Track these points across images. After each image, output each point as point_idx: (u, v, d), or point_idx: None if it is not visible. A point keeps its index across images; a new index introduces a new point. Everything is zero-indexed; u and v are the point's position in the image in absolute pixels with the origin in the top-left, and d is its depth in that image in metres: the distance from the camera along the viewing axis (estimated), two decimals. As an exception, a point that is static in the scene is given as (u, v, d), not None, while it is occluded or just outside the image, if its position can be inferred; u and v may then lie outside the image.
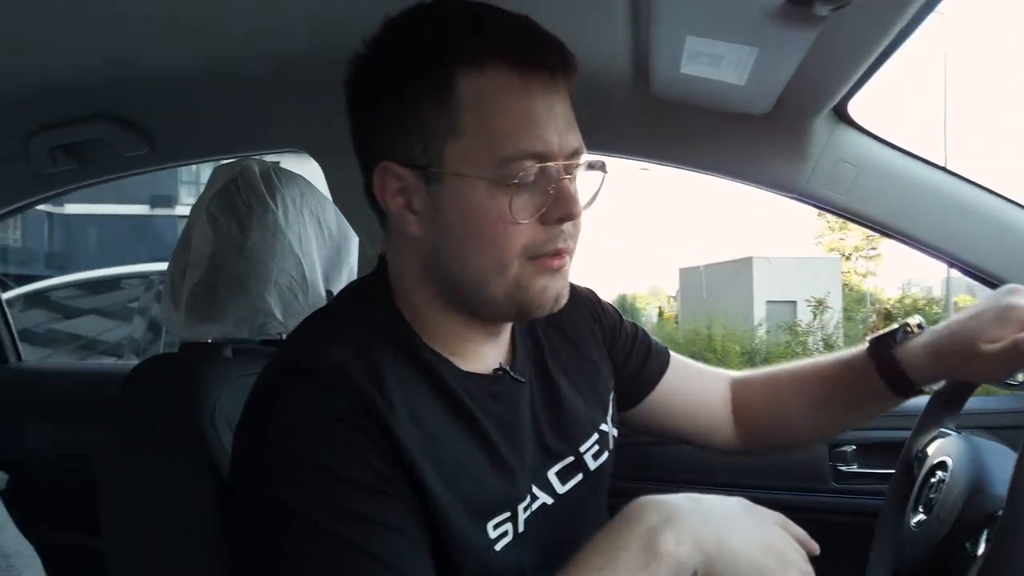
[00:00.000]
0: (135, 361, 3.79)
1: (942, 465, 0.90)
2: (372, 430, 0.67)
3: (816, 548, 0.68)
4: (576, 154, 0.74)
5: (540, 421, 0.83)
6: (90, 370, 2.40)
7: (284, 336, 1.13)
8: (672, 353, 1.05)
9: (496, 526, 0.74)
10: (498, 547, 0.74)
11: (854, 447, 1.40)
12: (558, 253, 0.74)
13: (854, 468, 1.41)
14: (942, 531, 0.82)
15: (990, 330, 0.82)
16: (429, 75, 0.70)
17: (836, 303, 13.42)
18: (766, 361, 10.98)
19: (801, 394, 1.01)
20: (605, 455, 0.88)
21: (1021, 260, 1.20)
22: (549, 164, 0.71)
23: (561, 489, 0.83)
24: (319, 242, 1.16)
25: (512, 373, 0.81)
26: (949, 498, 0.84)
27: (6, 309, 2.00)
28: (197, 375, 0.98)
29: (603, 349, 0.96)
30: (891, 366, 0.91)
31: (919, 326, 0.93)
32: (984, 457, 0.86)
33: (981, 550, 0.76)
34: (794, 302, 14.85)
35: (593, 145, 1.34)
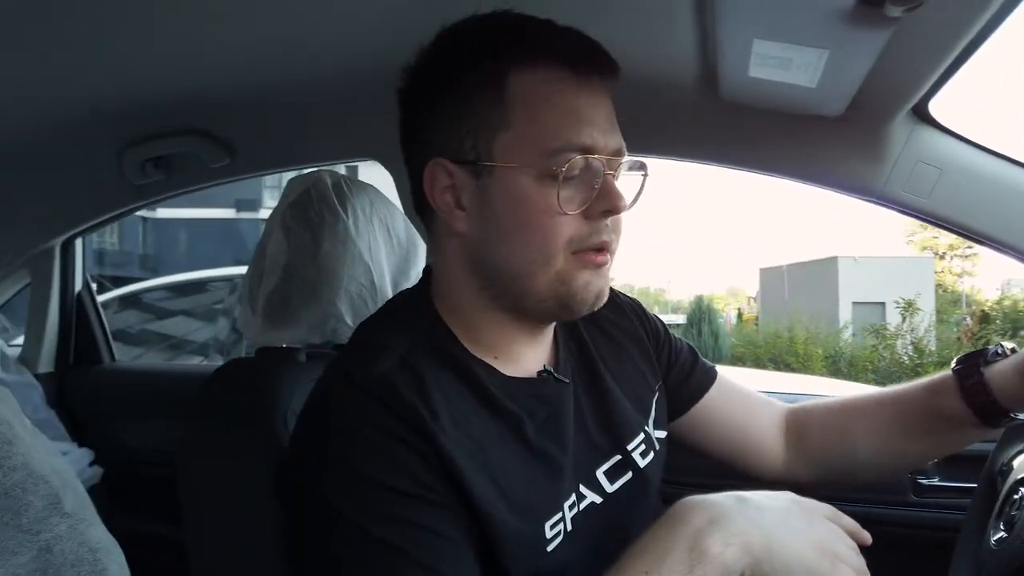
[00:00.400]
0: (219, 361, 3.97)
1: (1026, 482, 0.86)
2: (415, 440, 0.69)
3: (867, 538, 0.67)
4: (619, 153, 0.76)
5: (586, 420, 0.84)
6: (177, 371, 2.52)
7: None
8: (722, 374, 1.04)
9: (552, 526, 0.75)
10: (551, 547, 0.75)
11: (936, 459, 1.34)
12: (601, 249, 0.75)
13: (935, 481, 1.36)
14: (1022, 550, 0.78)
15: None
16: (483, 70, 0.74)
17: (928, 304, 12.87)
18: (851, 365, 10.60)
19: (869, 420, 0.98)
20: (652, 455, 0.89)
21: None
22: (594, 158, 0.73)
23: (610, 488, 0.83)
24: (388, 249, 1.20)
25: (556, 374, 0.83)
26: (1033, 517, 0.80)
27: (101, 312, 2.13)
28: (272, 379, 1.02)
29: (650, 355, 0.97)
30: (978, 388, 0.88)
31: (1012, 349, 0.89)
32: (1072, 475, 0.81)
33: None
34: (883, 303, 14.36)
35: (660, 149, 1.37)
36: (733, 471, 1.03)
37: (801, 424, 1.03)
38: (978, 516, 0.94)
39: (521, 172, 0.73)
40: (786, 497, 0.67)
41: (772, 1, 0.84)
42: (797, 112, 1.16)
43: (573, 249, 0.74)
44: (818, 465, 1.01)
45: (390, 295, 1.18)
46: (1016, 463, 0.92)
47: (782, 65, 0.99)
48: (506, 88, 0.73)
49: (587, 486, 0.81)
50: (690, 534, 0.63)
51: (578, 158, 0.72)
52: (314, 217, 1.10)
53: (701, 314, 14.14)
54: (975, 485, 1.00)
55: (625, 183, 0.78)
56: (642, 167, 0.80)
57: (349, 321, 1.12)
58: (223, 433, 0.99)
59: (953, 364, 0.92)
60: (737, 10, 0.89)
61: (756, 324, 18.28)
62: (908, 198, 1.23)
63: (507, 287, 0.77)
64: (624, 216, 0.78)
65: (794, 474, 1.01)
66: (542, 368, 0.83)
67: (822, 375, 9.85)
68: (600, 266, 0.76)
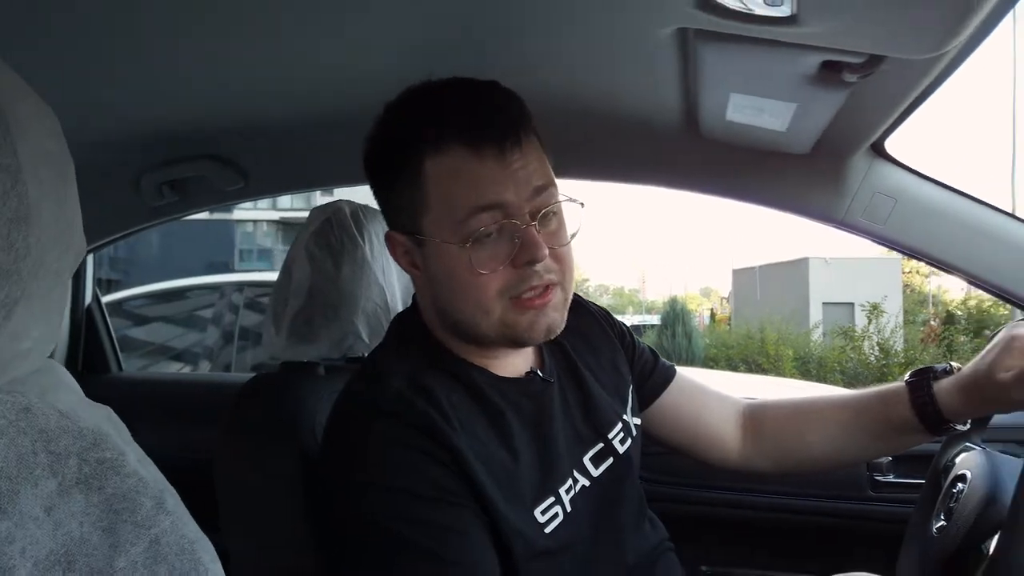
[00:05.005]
0: (207, 367, 4.00)
1: (963, 477, 0.99)
2: (432, 447, 0.80)
3: None
4: (543, 204, 0.85)
5: (572, 414, 0.97)
6: (183, 380, 2.60)
7: (365, 355, 1.29)
8: (680, 372, 1.17)
9: (544, 511, 0.87)
10: (548, 529, 0.87)
11: (891, 459, 1.49)
12: (537, 291, 0.85)
13: (890, 478, 1.50)
14: (959, 536, 0.92)
15: (1003, 361, 0.91)
16: (403, 159, 0.86)
17: (896, 305, 13.14)
18: (820, 366, 10.81)
19: (827, 422, 1.10)
20: (630, 441, 1.01)
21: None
22: (508, 220, 0.82)
23: (595, 472, 0.95)
24: (398, 271, 1.31)
25: (541, 375, 0.95)
26: (967, 507, 0.93)
27: (110, 323, 2.21)
28: (300, 392, 1.13)
29: (620, 352, 1.09)
30: (926, 401, 1.00)
31: (958, 368, 1.01)
32: (1000, 470, 0.94)
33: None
34: (852, 304, 14.59)
35: (646, 178, 1.50)
36: (691, 458, 1.15)
37: (758, 419, 1.15)
38: (924, 508, 1.08)
39: (445, 243, 0.84)
40: None
41: (747, 65, 0.97)
42: (769, 150, 1.30)
43: (509, 296, 0.85)
44: (772, 458, 1.14)
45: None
46: (956, 462, 1.06)
47: (756, 113, 1.13)
48: (422, 174, 0.84)
49: (578, 471, 0.94)
50: None
51: (491, 220, 0.82)
52: (335, 244, 1.21)
53: (675, 316, 14.34)
54: (923, 483, 1.14)
55: (568, 214, 0.89)
56: (571, 200, 0.89)
57: (365, 337, 1.23)
58: (260, 444, 1.09)
59: (907, 377, 1.05)
60: (717, 70, 1.01)
61: (729, 325, 18.52)
62: (867, 225, 1.37)
63: (463, 329, 0.89)
64: (567, 249, 0.88)
65: (751, 464, 1.14)
66: (529, 369, 0.96)
67: (792, 376, 10.03)
68: (541, 307, 0.86)
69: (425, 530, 0.78)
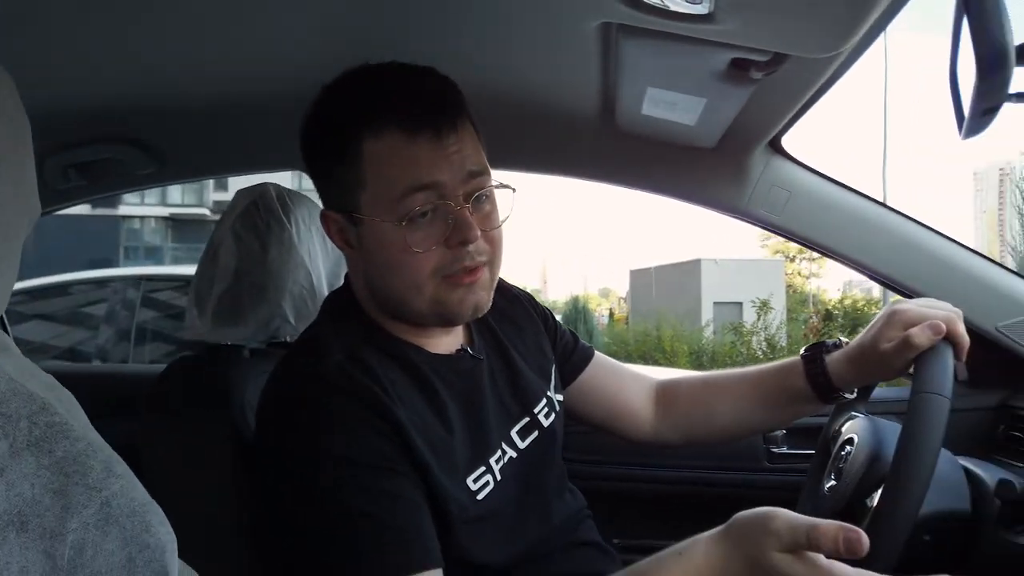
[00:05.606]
0: (97, 364, 3.80)
1: (850, 441, 1.10)
2: (374, 418, 0.84)
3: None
4: (477, 187, 0.88)
5: (500, 390, 1.02)
6: (81, 372, 2.48)
7: (290, 339, 1.29)
8: (599, 354, 1.24)
9: (475, 480, 0.92)
10: (480, 496, 0.91)
11: (784, 432, 1.61)
12: (468, 270, 0.89)
13: (784, 450, 1.63)
14: (848, 492, 1.02)
15: (885, 333, 1.01)
16: (341, 139, 0.88)
17: (780, 304, 13.87)
18: (712, 360, 11.31)
19: (731, 395, 1.19)
20: (554, 416, 1.07)
21: (921, 270, 1.43)
22: (442, 201, 0.86)
23: (522, 444, 1.01)
24: (324, 254, 1.32)
25: (471, 352, 1.00)
26: (854, 466, 1.04)
27: (5, 319, 2.08)
28: (226, 372, 1.13)
29: (543, 333, 1.15)
30: (819, 372, 1.10)
31: (846, 342, 1.11)
32: (882, 433, 1.06)
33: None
34: (740, 303, 15.26)
35: (563, 168, 1.57)
36: (610, 433, 1.23)
37: (669, 395, 1.23)
38: (816, 471, 1.19)
39: (382, 221, 0.87)
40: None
41: (664, 61, 1.04)
42: (679, 143, 1.39)
43: (442, 275, 0.88)
44: (682, 429, 1.22)
45: (326, 294, 1.32)
46: (844, 429, 1.17)
47: (669, 107, 1.21)
48: (360, 154, 0.86)
49: (506, 443, 0.99)
50: None
51: (427, 200, 0.85)
52: (261, 226, 1.22)
53: (577, 314, 14.66)
54: (814, 452, 1.25)
55: (500, 200, 0.93)
56: (503, 185, 0.93)
57: (292, 320, 1.24)
58: (186, 424, 1.08)
59: (802, 352, 1.15)
60: (636, 64, 1.08)
61: (627, 323, 19.04)
62: (765, 215, 1.48)
63: (395, 307, 0.93)
64: (498, 232, 0.91)
65: (662, 437, 1.23)
66: (460, 347, 1.00)
67: (687, 369, 10.44)
68: (471, 284, 0.90)
69: (369, 496, 0.80)
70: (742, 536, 0.75)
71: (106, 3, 1.01)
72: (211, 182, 19.23)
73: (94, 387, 2.04)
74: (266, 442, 0.89)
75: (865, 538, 0.68)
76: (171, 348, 3.73)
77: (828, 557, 0.70)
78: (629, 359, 12.53)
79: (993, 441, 1.41)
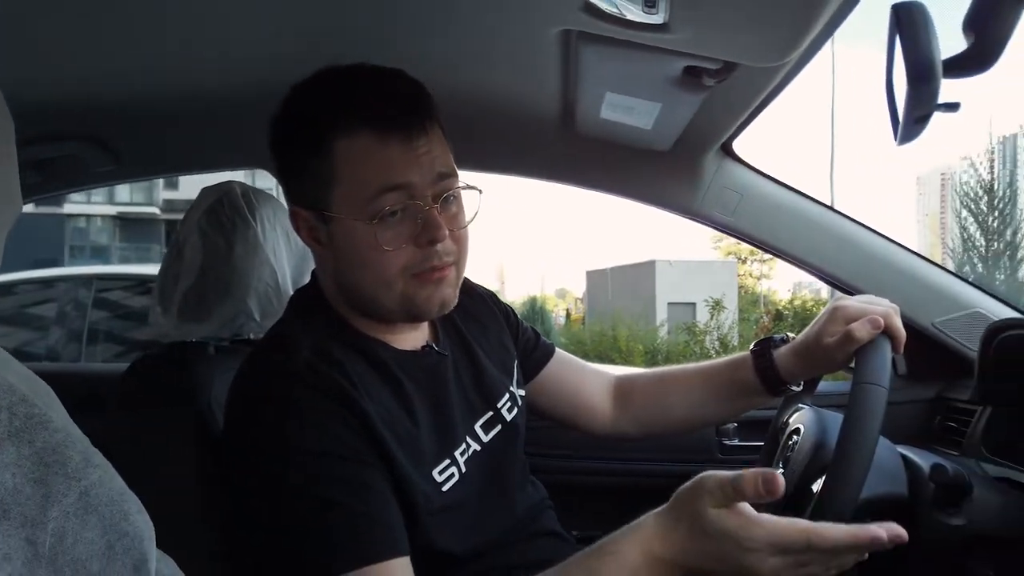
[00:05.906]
0: (45, 364, 3.71)
1: (797, 431, 1.16)
2: (341, 411, 0.86)
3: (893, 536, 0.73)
4: (445, 188, 0.91)
5: (464, 385, 1.05)
6: (38, 371, 2.42)
7: (254, 336, 1.31)
8: (559, 351, 1.28)
9: (441, 472, 0.95)
10: (445, 488, 0.94)
11: (735, 425, 1.67)
12: (436, 269, 0.91)
13: (736, 442, 1.69)
14: (794, 479, 1.08)
15: (828, 328, 1.07)
16: (314, 138, 0.90)
17: (732, 304, 14.12)
18: (667, 359, 11.47)
19: (685, 388, 1.24)
20: (516, 410, 1.10)
21: (864, 270, 1.51)
22: (412, 201, 0.88)
23: (485, 438, 1.04)
24: (288, 253, 1.34)
25: (437, 348, 1.03)
26: (800, 454, 1.09)
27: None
28: (194, 369, 1.14)
29: (506, 331, 1.19)
30: (767, 365, 1.15)
31: (793, 337, 1.17)
32: (826, 423, 1.11)
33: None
34: (694, 304, 15.51)
35: (523, 170, 1.61)
36: (571, 428, 1.26)
37: (626, 390, 1.28)
38: (765, 460, 1.24)
39: (353, 220, 0.89)
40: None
41: (622, 67, 1.09)
42: (636, 146, 1.44)
43: (411, 273, 0.90)
44: (639, 422, 1.27)
45: (291, 293, 1.33)
46: (791, 420, 1.23)
47: (626, 112, 1.25)
48: (332, 153, 0.88)
49: (470, 437, 1.02)
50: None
51: (397, 200, 0.87)
52: (227, 223, 1.22)
53: (534, 315, 14.76)
54: (763, 443, 1.30)
55: (466, 201, 0.96)
56: (470, 187, 0.95)
57: (257, 317, 1.25)
58: (152, 420, 1.09)
59: (752, 347, 1.21)
60: (595, 70, 1.12)
61: (583, 323, 19.18)
62: (717, 216, 1.54)
63: (364, 303, 0.95)
64: (464, 232, 0.94)
65: (621, 430, 1.27)
66: (425, 343, 1.03)
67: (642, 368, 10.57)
68: (438, 281, 0.92)
69: (339, 487, 0.83)
70: (683, 503, 0.79)
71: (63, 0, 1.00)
72: (161, 180, 18.80)
73: (52, 386, 2.02)
74: (235, 438, 0.90)
75: (780, 478, 0.74)
76: (123, 348, 3.67)
77: (752, 501, 0.75)
78: (586, 358, 12.40)
79: (930, 431, 1.49)
